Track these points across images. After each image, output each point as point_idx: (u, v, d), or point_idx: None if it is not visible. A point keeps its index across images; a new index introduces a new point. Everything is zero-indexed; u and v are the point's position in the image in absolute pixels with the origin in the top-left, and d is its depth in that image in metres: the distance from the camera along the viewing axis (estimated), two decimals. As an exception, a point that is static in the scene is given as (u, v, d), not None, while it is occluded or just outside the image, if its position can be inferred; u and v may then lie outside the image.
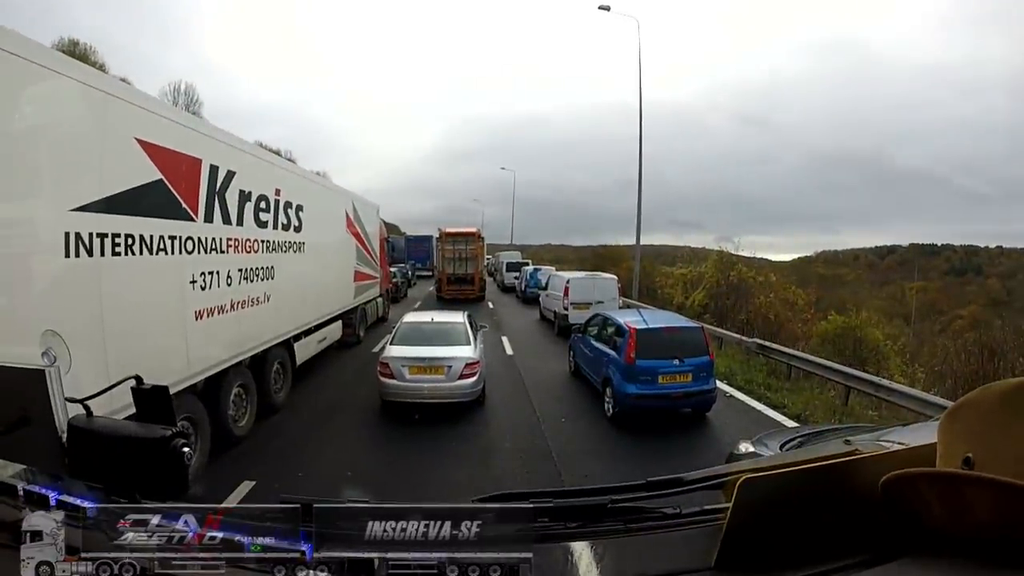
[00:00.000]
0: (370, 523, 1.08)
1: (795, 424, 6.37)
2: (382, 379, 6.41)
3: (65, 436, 0.93)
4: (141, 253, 3.93)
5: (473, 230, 21.75)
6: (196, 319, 4.72)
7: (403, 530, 1.05)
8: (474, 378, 6.43)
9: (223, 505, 1.47)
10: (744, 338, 11.35)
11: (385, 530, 1.05)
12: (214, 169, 5.05)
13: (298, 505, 1.09)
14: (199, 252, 4.77)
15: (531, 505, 1.09)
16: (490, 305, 19.69)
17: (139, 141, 3.95)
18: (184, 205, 4.53)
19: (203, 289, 4.85)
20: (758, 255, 27.80)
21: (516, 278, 23.32)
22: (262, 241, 6.19)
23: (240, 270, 5.61)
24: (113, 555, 0.90)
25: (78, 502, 1.03)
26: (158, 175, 4.14)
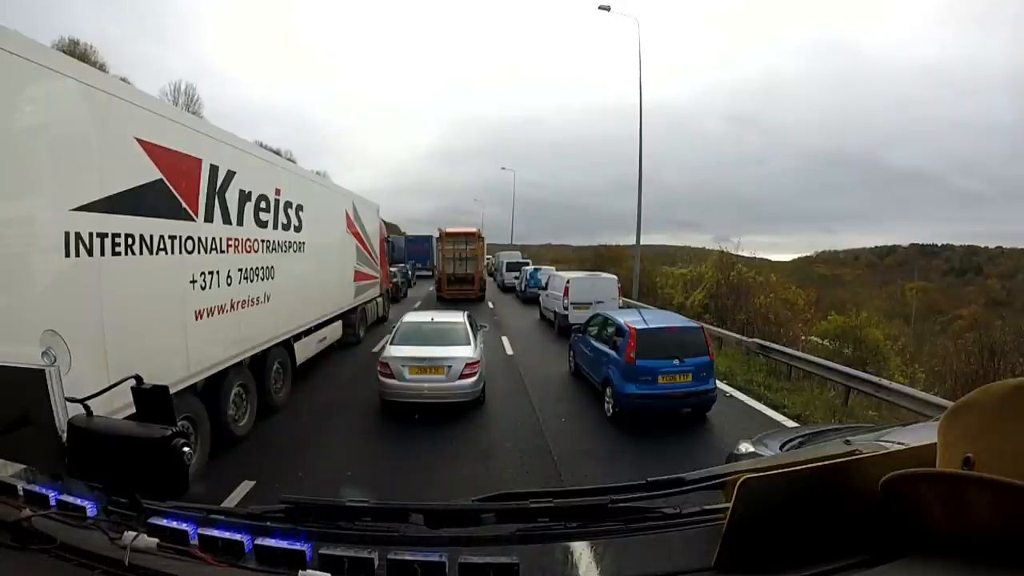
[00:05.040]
0: (370, 522, 1.08)
1: (795, 424, 6.36)
2: (382, 379, 6.41)
3: (65, 436, 0.92)
4: (141, 253, 3.93)
5: (473, 230, 21.70)
6: (196, 319, 4.72)
7: (403, 529, 1.05)
8: (474, 378, 6.43)
9: (223, 505, 1.48)
10: (744, 338, 11.35)
11: (385, 529, 1.06)
12: (214, 169, 5.05)
13: (298, 505, 1.10)
14: (199, 252, 4.77)
15: (531, 505, 1.09)
16: (490, 305, 19.67)
17: (139, 141, 3.95)
18: (184, 205, 4.53)
19: (203, 289, 4.85)
20: (758, 255, 27.81)
21: (516, 278, 23.31)
22: (262, 241, 6.19)
23: (240, 270, 5.60)
24: (113, 555, 0.90)
25: (78, 502, 1.03)
26: (158, 175, 4.14)
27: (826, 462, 0.89)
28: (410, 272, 26.02)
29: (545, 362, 9.91)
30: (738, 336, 11.80)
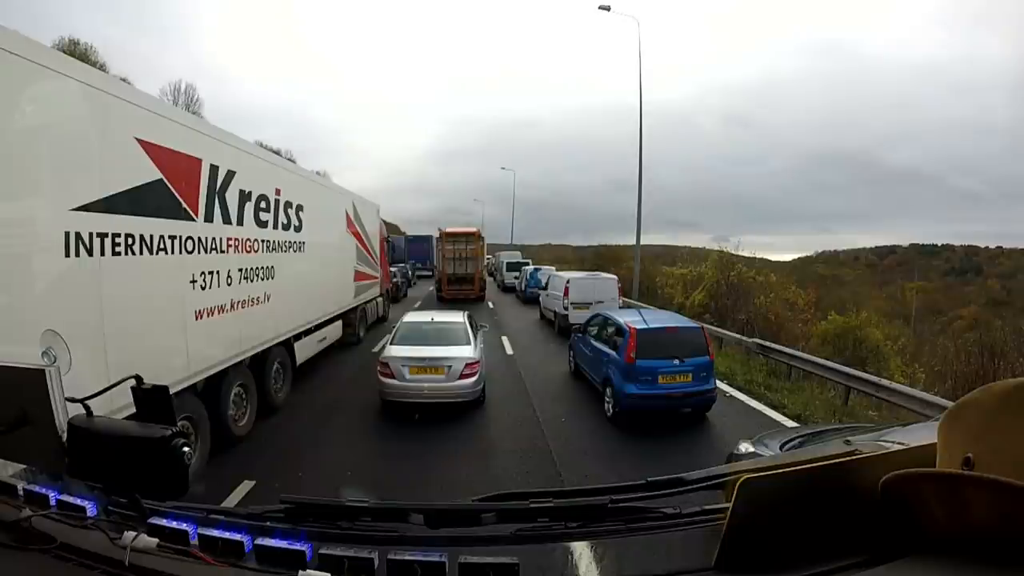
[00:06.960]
0: (370, 522, 1.08)
1: (795, 424, 6.36)
2: (382, 379, 6.41)
3: (65, 436, 0.92)
4: (141, 253, 3.93)
5: (473, 230, 21.67)
6: (196, 319, 4.72)
7: (403, 529, 1.05)
8: (474, 378, 6.43)
9: (223, 505, 1.48)
10: (744, 338, 11.35)
11: (385, 529, 1.05)
12: (214, 169, 5.05)
13: (298, 505, 1.10)
14: (199, 252, 4.76)
15: (531, 505, 1.09)
16: (490, 305, 19.67)
17: (139, 141, 3.95)
18: (184, 205, 4.53)
19: (203, 289, 4.85)
20: (758, 255, 27.81)
21: (516, 278, 23.31)
22: (262, 241, 6.19)
23: (240, 270, 5.60)
24: (114, 555, 0.90)
25: (78, 502, 1.03)
26: (158, 175, 4.14)
27: (826, 462, 0.89)
28: (410, 272, 26.03)
29: (545, 362, 9.90)
30: (738, 336, 11.80)
